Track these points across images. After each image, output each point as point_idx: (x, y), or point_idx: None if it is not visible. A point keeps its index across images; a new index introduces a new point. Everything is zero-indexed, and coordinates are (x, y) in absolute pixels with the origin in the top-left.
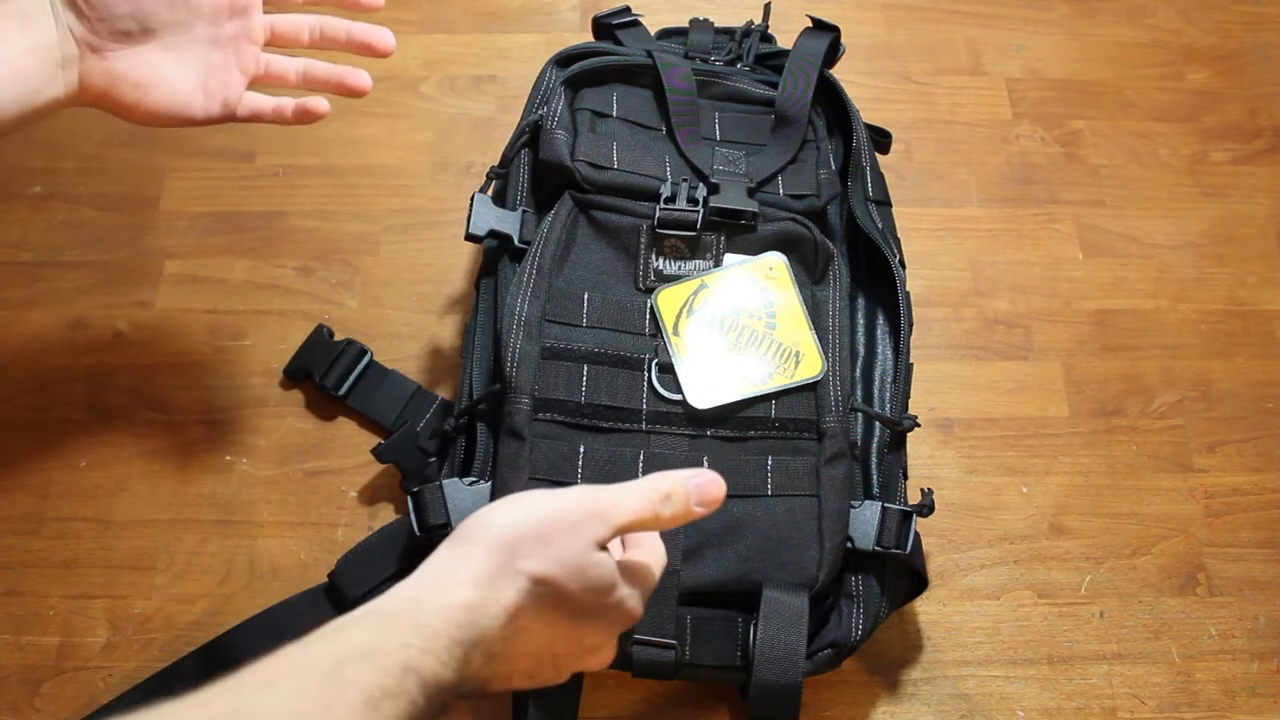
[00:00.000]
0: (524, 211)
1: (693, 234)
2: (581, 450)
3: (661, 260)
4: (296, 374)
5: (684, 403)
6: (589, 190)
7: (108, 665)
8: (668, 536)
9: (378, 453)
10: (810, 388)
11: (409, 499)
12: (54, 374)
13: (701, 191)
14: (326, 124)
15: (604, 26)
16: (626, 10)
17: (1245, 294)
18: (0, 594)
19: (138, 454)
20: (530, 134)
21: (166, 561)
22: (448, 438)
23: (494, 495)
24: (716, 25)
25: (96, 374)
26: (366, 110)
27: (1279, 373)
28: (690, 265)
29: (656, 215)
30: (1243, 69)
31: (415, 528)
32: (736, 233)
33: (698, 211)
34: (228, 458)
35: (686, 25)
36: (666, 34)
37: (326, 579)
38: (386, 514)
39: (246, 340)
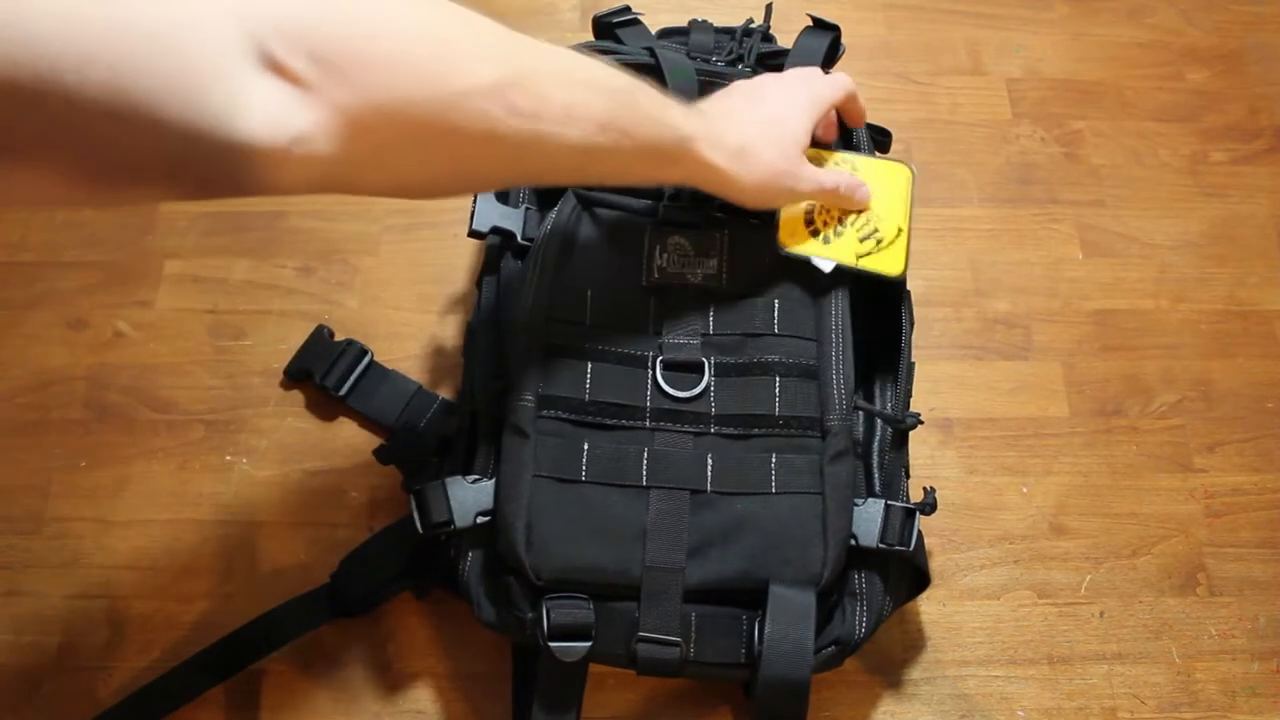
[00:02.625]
0: (527, 209)
1: (696, 231)
2: (586, 447)
3: (665, 257)
4: (297, 374)
5: (688, 399)
6: (592, 188)
7: (108, 665)
8: (670, 536)
9: (379, 454)
10: (815, 375)
11: (411, 498)
12: (54, 374)
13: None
14: None
15: (605, 25)
16: (627, 9)
17: (1245, 294)
18: (0, 594)
19: (138, 454)
20: None
21: (166, 561)
22: (449, 437)
23: (498, 494)
24: (717, 25)
25: (96, 374)
26: None
27: (1279, 373)
28: (694, 263)
29: (660, 213)
30: (1243, 69)
31: (418, 526)
32: (740, 230)
33: (701, 209)
34: (228, 458)
35: (686, 25)
36: (666, 34)
37: (328, 580)
38: (387, 514)
39: (246, 340)
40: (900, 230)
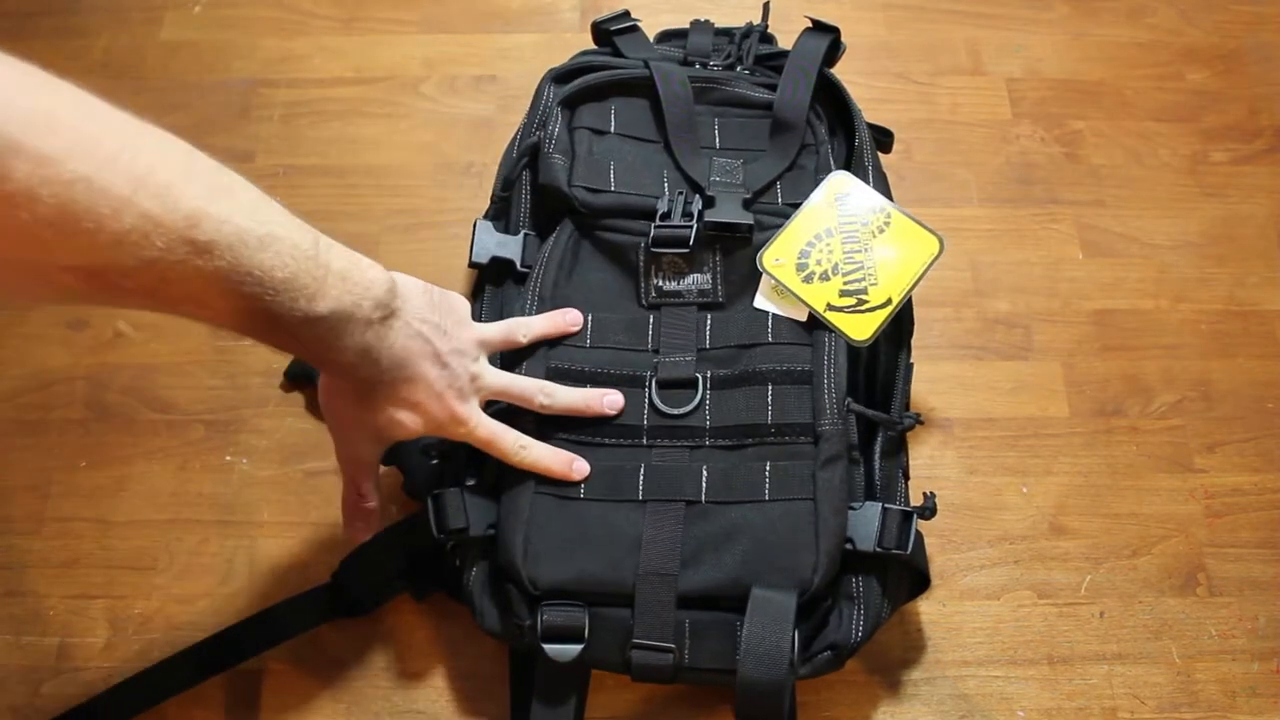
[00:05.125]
0: (526, 235)
1: (686, 250)
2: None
3: (660, 277)
4: (298, 376)
5: (683, 415)
6: (587, 215)
7: (108, 665)
8: (664, 545)
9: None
10: (809, 380)
11: (429, 501)
12: (54, 374)
13: (696, 205)
14: (327, 124)
15: (603, 32)
16: (626, 15)
17: (1245, 294)
18: (0, 594)
19: (138, 454)
20: (530, 157)
21: (166, 561)
22: (451, 444)
23: (500, 509)
24: (716, 26)
25: (96, 374)
26: (366, 110)
27: (1279, 373)
28: (688, 280)
29: (650, 234)
30: (1243, 69)
31: (434, 530)
32: (733, 245)
33: (690, 227)
34: (228, 458)
35: (686, 27)
36: (666, 36)
37: (329, 579)
38: (387, 515)
39: (247, 340)
40: (889, 301)
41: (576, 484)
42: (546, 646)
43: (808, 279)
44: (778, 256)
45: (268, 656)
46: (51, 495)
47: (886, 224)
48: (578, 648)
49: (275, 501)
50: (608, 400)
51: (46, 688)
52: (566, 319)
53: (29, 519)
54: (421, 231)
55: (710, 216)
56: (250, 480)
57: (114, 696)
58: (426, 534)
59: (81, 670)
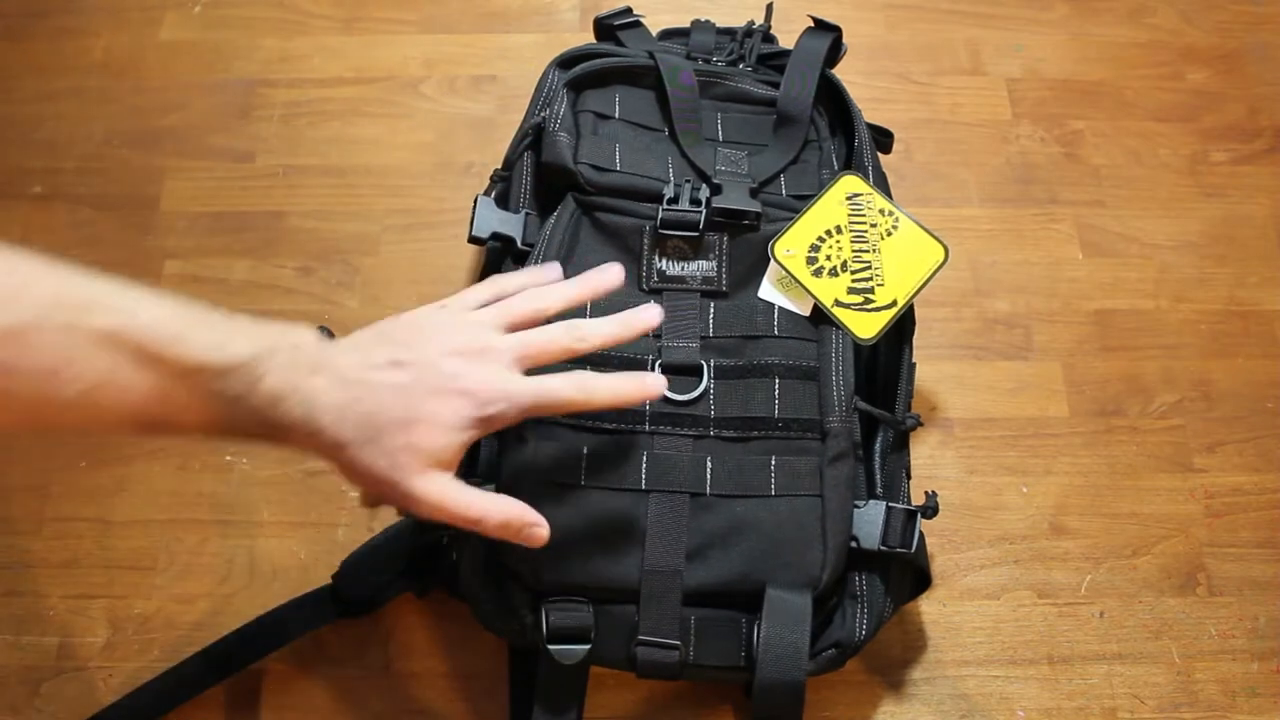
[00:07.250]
0: (526, 214)
1: (695, 234)
2: (585, 451)
3: (664, 261)
4: None
5: (687, 402)
6: (591, 192)
7: (108, 665)
8: (669, 539)
9: None
10: (815, 376)
11: None
12: None
13: (704, 192)
14: (326, 124)
15: (605, 27)
16: (628, 11)
17: (1245, 294)
18: (0, 594)
19: (138, 454)
20: (533, 136)
21: (166, 561)
22: None
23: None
24: (718, 26)
25: None
26: (366, 110)
27: (1279, 373)
28: (693, 266)
29: (659, 216)
30: (1243, 69)
31: (418, 526)
32: (739, 233)
33: (700, 212)
34: (228, 458)
35: (688, 26)
36: (668, 35)
37: (329, 580)
38: (387, 515)
39: None
40: (895, 303)
41: (576, 470)
42: (553, 648)
43: (817, 273)
44: (789, 248)
45: (268, 656)
46: (51, 495)
47: (894, 228)
48: (584, 648)
49: (275, 501)
50: (650, 381)
51: (46, 688)
52: (606, 277)
53: (29, 519)
54: (421, 232)
55: (718, 203)
56: (250, 480)
57: (122, 708)
58: (426, 530)
59: (81, 670)
